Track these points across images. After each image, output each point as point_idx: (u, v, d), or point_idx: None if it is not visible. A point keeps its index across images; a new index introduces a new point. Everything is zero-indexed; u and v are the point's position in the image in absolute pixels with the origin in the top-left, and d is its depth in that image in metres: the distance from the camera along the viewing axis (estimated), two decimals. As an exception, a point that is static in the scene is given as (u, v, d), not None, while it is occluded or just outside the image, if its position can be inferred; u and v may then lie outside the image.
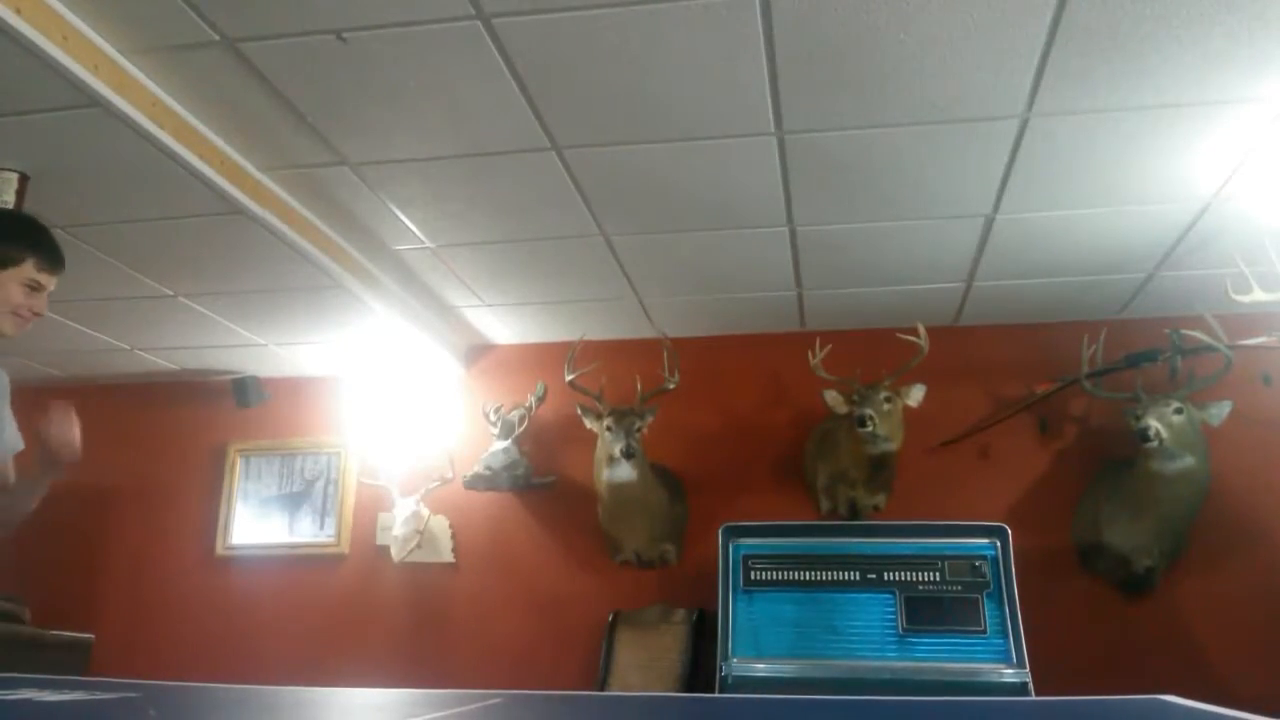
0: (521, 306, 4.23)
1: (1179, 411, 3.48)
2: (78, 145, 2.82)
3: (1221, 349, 3.42)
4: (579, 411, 4.06)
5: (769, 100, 2.66)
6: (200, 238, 3.42)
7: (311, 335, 4.38)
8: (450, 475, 4.42)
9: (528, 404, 4.37)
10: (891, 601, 3.47)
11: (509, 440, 4.31)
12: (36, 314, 2.11)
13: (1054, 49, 2.41)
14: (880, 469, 3.95)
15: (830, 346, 3.96)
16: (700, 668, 3.76)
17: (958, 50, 2.43)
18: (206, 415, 4.86)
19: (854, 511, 4.04)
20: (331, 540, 4.56)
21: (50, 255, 2.11)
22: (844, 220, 3.38)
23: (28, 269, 2.05)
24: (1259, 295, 3.22)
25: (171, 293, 3.93)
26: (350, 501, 4.59)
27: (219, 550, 4.65)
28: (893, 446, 3.85)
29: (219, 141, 2.90)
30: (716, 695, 3.33)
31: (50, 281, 2.12)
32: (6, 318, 2.06)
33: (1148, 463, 3.55)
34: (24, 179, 2.98)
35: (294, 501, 4.67)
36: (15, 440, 2.27)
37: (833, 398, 3.91)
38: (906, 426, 3.88)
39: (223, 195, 2.99)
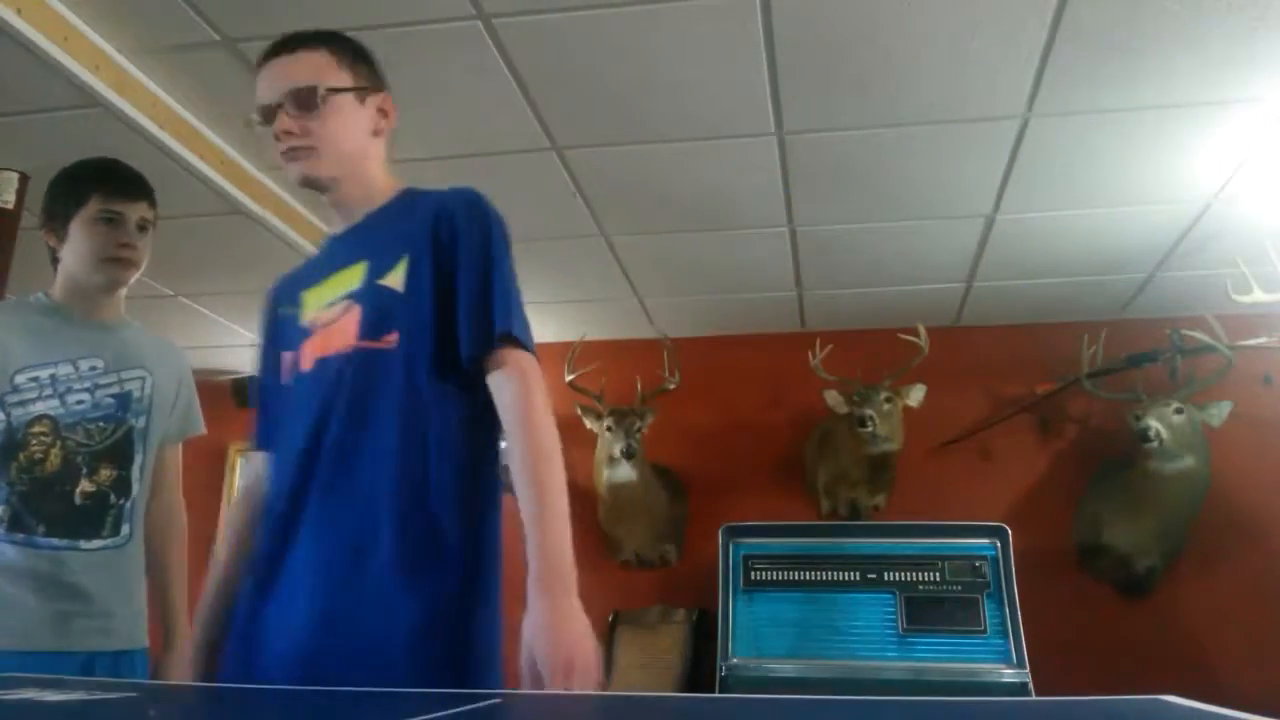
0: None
1: (1179, 412, 3.48)
2: (78, 145, 2.80)
3: (1222, 349, 3.42)
4: (579, 411, 4.06)
5: (769, 100, 2.66)
6: (200, 238, 3.42)
7: (311, 335, 4.38)
8: (450, 475, 4.41)
9: (528, 404, 4.36)
10: (891, 602, 3.47)
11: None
12: (130, 247, 1.88)
13: (1054, 49, 2.41)
14: (880, 469, 3.95)
15: (830, 346, 3.96)
16: (700, 668, 3.75)
17: (958, 50, 2.43)
18: (206, 415, 4.82)
19: (854, 512, 4.04)
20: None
21: (116, 183, 1.89)
22: (844, 220, 3.38)
23: (94, 204, 1.85)
24: (1259, 296, 3.22)
25: (171, 293, 3.93)
26: (350, 501, 4.59)
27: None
28: (893, 446, 3.85)
29: (219, 141, 2.90)
30: (716, 695, 3.33)
31: (130, 209, 1.88)
32: (105, 267, 1.86)
33: (1148, 463, 3.54)
34: (24, 179, 2.98)
35: (294, 501, 4.67)
36: (196, 423, 2.14)
37: (833, 398, 3.91)
38: (907, 427, 3.88)
39: (223, 195, 2.99)
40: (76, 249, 1.86)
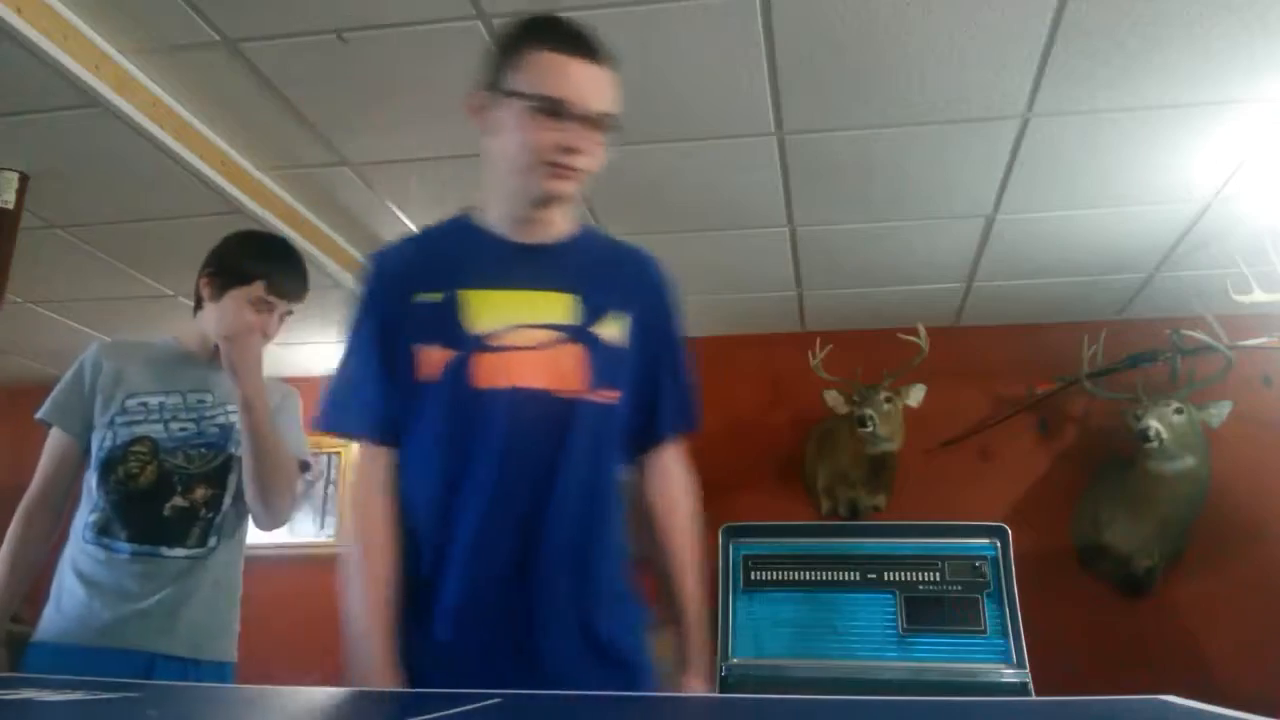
0: (521, 306, 4.22)
1: (1179, 412, 3.48)
2: (78, 145, 2.82)
3: (1222, 350, 3.42)
4: (579, 411, 4.06)
5: (769, 100, 2.66)
6: (200, 238, 3.40)
7: (312, 335, 4.38)
8: (450, 475, 4.41)
9: (528, 404, 4.36)
10: (891, 602, 3.47)
11: (509, 440, 4.30)
12: (266, 335, 1.97)
13: (1054, 49, 2.41)
14: (880, 469, 3.95)
15: (830, 347, 3.96)
16: (700, 668, 3.75)
17: (958, 50, 2.43)
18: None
19: (854, 511, 4.04)
20: (332, 540, 4.56)
21: (285, 279, 2.00)
22: (844, 220, 3.38)
23: (257, 289, 1.97)
24: (1259, 296, 3.22)
25: (172, 292, 3.93)
26: (350, 501, 4.59)
27: (219, 550, 4.64)
28: (893, 446, 3.85)
29: (219, 141, 2.90)
30: (716, 695, 3.33)
31: (284, 304, 1.99)
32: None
33: (1147, 463, 3.55)
34: (24, 179, 2.98)
35: (294, 501, 4.67)
36: (295, 450, 2.07)
37: (833, 398, 3.91)
38: (906, 427, 3.88)
39: (223, 195, 2.99)
40: (222, 316, 1.98)
